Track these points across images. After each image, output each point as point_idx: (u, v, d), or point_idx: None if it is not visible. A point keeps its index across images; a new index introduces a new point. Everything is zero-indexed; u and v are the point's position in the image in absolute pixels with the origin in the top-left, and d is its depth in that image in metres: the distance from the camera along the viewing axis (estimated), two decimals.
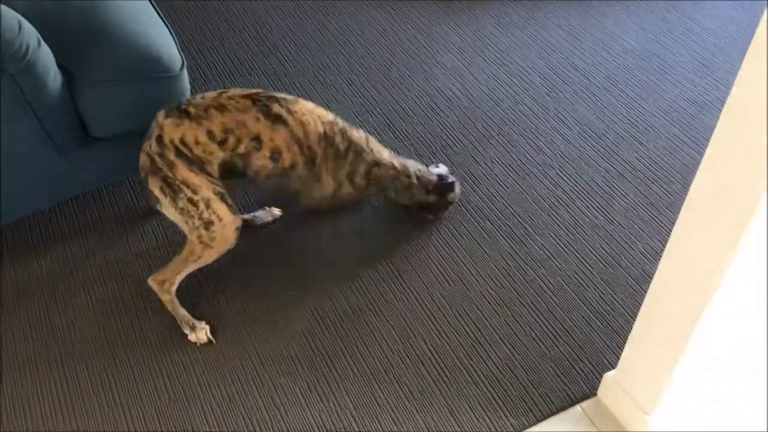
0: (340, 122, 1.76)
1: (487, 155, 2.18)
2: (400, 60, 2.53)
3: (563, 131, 2.26)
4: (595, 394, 1.59)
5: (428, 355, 1.67)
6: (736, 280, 1.18)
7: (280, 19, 2.73)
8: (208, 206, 1.58)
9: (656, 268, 1.84)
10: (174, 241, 1.88)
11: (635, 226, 1.97)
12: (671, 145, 2.22)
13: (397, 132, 2.25)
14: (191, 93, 1.74)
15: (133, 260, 1.87)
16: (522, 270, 1.86)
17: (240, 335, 1.71)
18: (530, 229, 1.96)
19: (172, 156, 1.57)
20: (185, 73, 1.69)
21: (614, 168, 2.13)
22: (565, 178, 2.10)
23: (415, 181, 1.86)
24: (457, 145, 2.21)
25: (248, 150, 1.63)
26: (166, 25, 1.76)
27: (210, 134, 1.59)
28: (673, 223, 1.95)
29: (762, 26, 0.93)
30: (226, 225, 1.61)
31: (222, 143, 1.60)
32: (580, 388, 1.61)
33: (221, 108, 1.60)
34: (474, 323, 1.74)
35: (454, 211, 2.00)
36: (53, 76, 1.55)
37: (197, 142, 1.57)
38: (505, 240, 1.93)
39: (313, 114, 1.70)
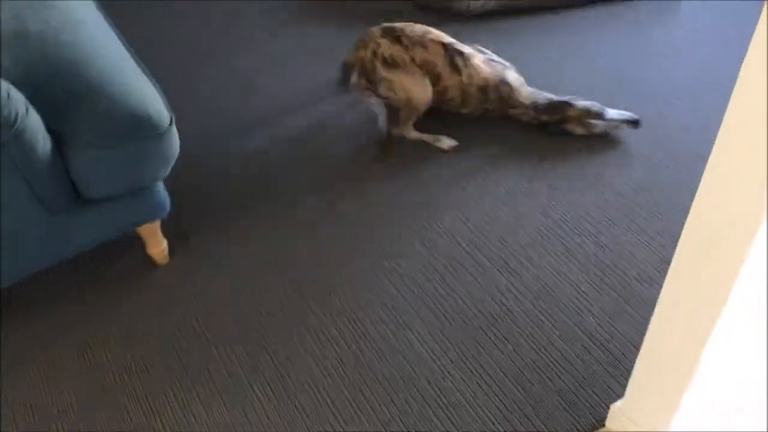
0: (497, 78, 2.35)
1: (474, 187, 2.21)
2: None
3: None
4: (604, 425, 1.60)
5: (432, 396, 1.67)
6: (739, 303, 1.19)
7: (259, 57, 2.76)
8: (402, 89, 2.30)
9: (652, 293, 1.86)
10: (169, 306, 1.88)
11: (626, 251, 1.99)
12: (656, 168, 2.26)
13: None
14: (180, 147, 1.75)
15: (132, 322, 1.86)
16: (519, 302, 1.87)
17: None
18: (524, 260, 1.98)
19: (379, 63, 2.30)
20: (174, 129, 1.69)
21: (603, 195, 2.17)
22: (555, 205, 2.13)
23: (538, 113, 2.38)
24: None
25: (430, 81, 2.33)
26: (150, 80, 1.76)
27: (411, 60, 2.29)
28: (665, 247, 2.01)
29: (752, 53, 0.94)
30: (416, 98, 2.32)
31: (419, 68, 2.30)
32: (588, 420, 1.61)
33: (423, 46, 2.29)
34: (476, 359, 1.74)
35: (448, 247, 2.01)
36: (42, 142, 1.54)
37: (404, 62, 2.29)
38: (500, 272, 1.95)
39: (479, 70, 2.33)
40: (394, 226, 2.09)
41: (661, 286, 1.30)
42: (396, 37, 2.29)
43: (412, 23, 2.34)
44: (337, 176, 2.27)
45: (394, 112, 2.37)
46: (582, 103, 2.33)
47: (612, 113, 2.33)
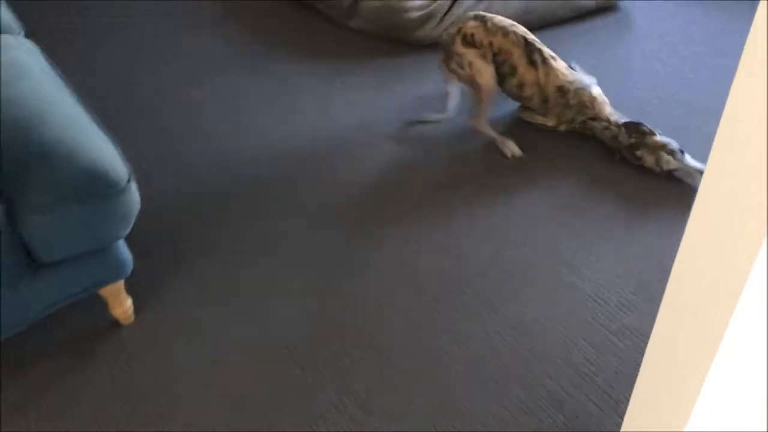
0: (578, 84, 2.37)
1: (453, 226, 2.16)
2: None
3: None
4: None
5: None
6: (740, 330, 1.15)
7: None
8: (471, 65, 2.40)
9: (633, 321, 1.82)
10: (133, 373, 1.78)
11: (605, 279, 1.96)
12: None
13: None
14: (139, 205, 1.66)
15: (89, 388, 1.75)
16: (503, 339, 1.81)
17: None
18: (504, 295, 1.92)
19: (459, 39, 2.42)
20: (133, 185, 1.61)
21: (573, 222, 2.14)
22: (529, 237, 2.09)
23: (620, 129, 2.33)
24: (414, 214, 2.18)
25: (505, 71, 2.41)
26: (105, 135, 1.67)
27: (491, 44, 2.39)
28: (642, 272, 1.98)
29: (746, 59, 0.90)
30: (482, 80, 2.41)
31: (495, 54, 2.40)
32: None
33: (505, 35, 2.38)
34: (467, 408, 1.67)
35: (431, 283, 1.95)
36: None
37: (482, 43, 2.40)
38: (482, 309, 1.89)
39: (558, 72, 2.37)
40: (386, 296, 2.03)
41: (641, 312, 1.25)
42: (483, 20, 2.41)
43: (501, 16, 2.46)
44: (310, 225, 2.20)
45: (473, 102, 2.47)
46: (663, 137, 2.28)
47: (689, 159, 2.25)
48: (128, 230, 1.68)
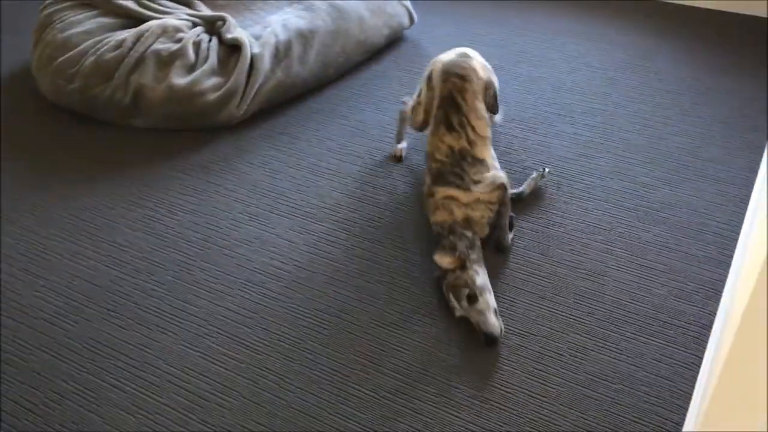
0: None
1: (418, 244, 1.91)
2: None
3: None
4: None
5: None
6: None
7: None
8: None
9: (591, 361, 1.71)
10: None
11: (548, 329, 1.86)
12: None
13: None
14: None
15: None
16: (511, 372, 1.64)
17: None
18: (464, 387, 1.74)
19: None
20: None
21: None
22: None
23: None
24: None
25: None
26: None
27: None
28: (579, 305, 1.82)
29: None
30: None
31: None
32: None
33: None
34: None
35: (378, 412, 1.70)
36: None
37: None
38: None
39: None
40: None
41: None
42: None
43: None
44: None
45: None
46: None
47: (523, 187, 2.21)
48: None
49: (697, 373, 1.71)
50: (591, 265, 1.99)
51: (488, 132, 2.10)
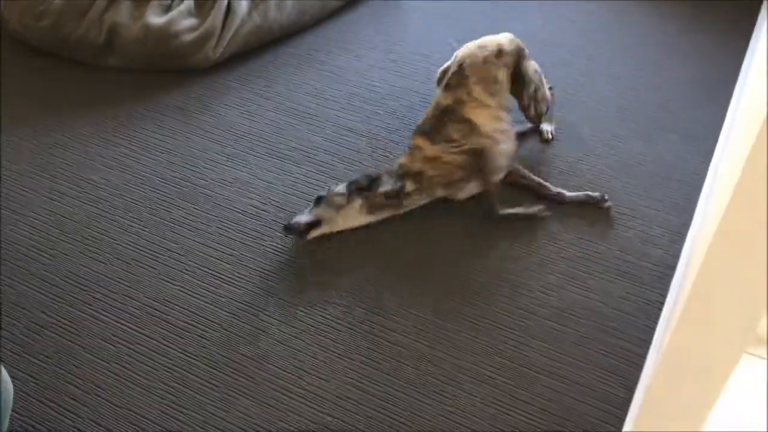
0: None
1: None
2: None
3: None
4: None
5: None
6: None
7: None
8: None
9: (559, 298, 1.78)
10: None
11: (519, 268, 1.92)
12: None
13: None
14: None
15: None
16: (459, 367, 1.70)
17: None
18: (435, 319, 1.80)
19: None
20: (3, 371, 1.17)
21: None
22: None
23: None
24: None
25: None
26: None
27: None
28: (550, 245, 1.91)
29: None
30: None
31: None
32: None
33: None
34: None
35: (355, 343, 1.75)
36: None
37: None
38: (420, 343, 1.75)
39: None
40: None
41: None
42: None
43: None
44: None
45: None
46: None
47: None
48: (6, 424, 1.24)
49: (661, 310, 1.79)
50: (561, 208, 2.06)
51: (493, 102, 2.03)
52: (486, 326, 1.78)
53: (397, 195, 1.96)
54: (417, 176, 1.97)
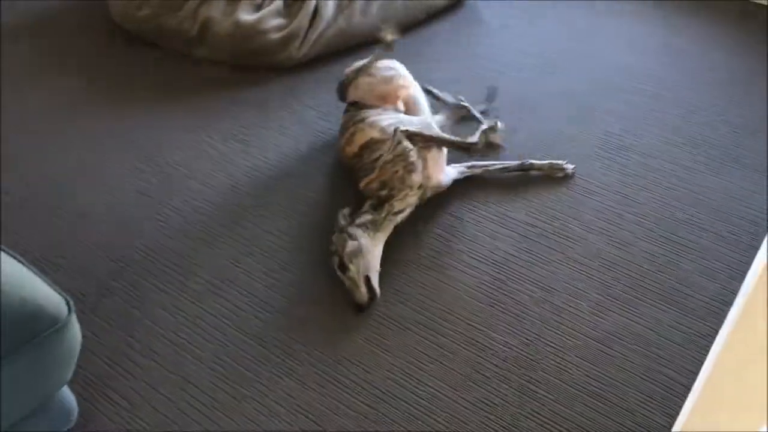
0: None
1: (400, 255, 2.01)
2: None
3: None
4: None
5: None
6: None
7: None
8: None
9: (609, 321, 1.78)
10: None
11: (572, 287, 1.93)
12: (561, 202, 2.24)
13: None
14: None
15: None
16: (502, 377, 1.72)
17: None
18: (483, 328, 1.83)
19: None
20: (74, 316, 1.27)
21: (531, 230, 2.09)
22: (481, 261, 2.01)
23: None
24: None
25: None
26: (22, 263, 1.30)
27: None
28: (605, 269, 1.97)
29: None
30: None
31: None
32: None
33: None
34: None
35: (402, 341, 1.80)
36: None
37: None
38: (466, 349, 1.78)
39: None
40: None
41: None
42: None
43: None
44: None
45: None
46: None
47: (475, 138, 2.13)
48: (72, 372, 1.33)
49: (711, 343, 1.77)
50: (621, 235, 2.05)
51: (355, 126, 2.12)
52: (531, 338, 1.79)
53: (380, 201, 1.97)
54: (382, 185, 1.98)
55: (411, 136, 1.99)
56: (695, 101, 2.53)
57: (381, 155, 2.00)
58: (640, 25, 2.94)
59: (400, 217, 1.99)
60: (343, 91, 2.29)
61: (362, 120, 2.11)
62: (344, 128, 2.17)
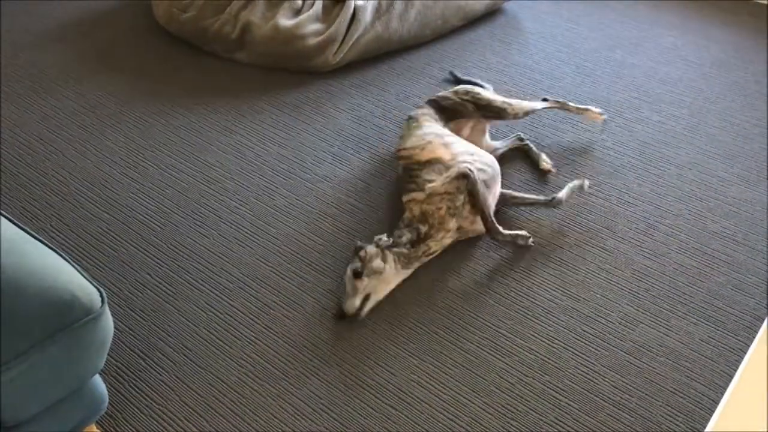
0: None
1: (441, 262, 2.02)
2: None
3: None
4: None
5: None
6: None
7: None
8: None
9: (639, 332, 1.78)
10: None
11: (602, 297, 1.92)
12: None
13: None
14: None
15: None
16: (526, 384, 1.72)
17: None
18: (509, 334, 1.83)
19: None
20: (107, 307, 1.31)
21: (560, 239, 2.09)
22: (510, 267, 2.01)
23: None
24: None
25: None
26: (59, 254, 1.35)
27: None
28: (636, 280, 1.96)
29: None
30: None
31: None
32: None
33: None
34: None
35: (428, 345, 1.81)
36: None
37: None
38: (491, 355, 1.78)
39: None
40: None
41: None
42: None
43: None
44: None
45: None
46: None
47: (562, 194, 2.14)
48: (104, 361, 1.38)
49: (742, 358, 1.74)
50: (654, 246, 2.03)
51: (433, 138, 2.11)
52: (557, 346, 1.79)
53: (419, 239, 1.95)
54: (423, 216, 1.97)
55: (472, 194, 1.96)
56: (736, 113, 2.49)
57: (435, 180, 2.00)
58: (682, 36, 2.91)
59: (429, 258, 2.00)
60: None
61: (441, 136, 2.11)
62: (421, 130, 2.15)
